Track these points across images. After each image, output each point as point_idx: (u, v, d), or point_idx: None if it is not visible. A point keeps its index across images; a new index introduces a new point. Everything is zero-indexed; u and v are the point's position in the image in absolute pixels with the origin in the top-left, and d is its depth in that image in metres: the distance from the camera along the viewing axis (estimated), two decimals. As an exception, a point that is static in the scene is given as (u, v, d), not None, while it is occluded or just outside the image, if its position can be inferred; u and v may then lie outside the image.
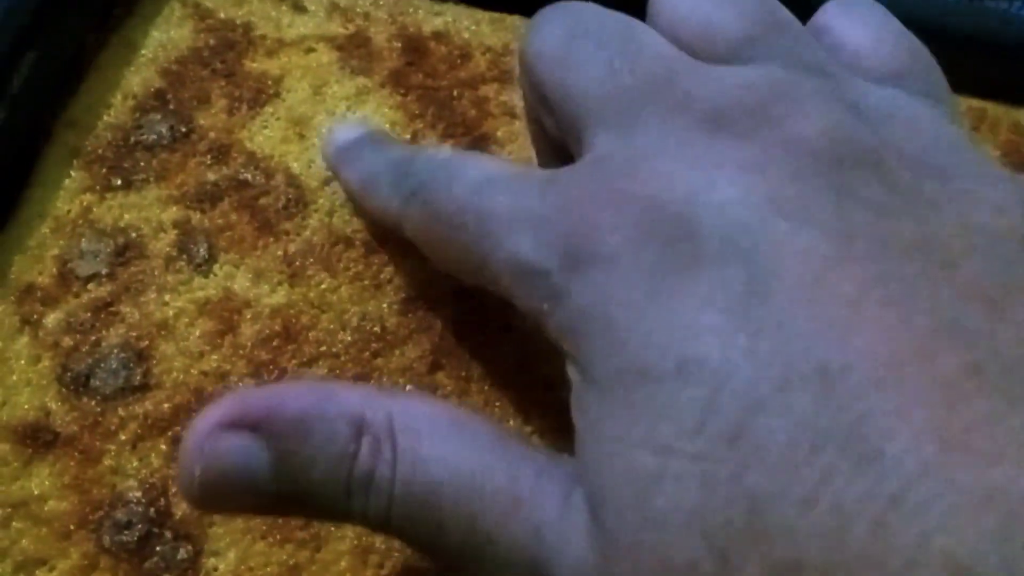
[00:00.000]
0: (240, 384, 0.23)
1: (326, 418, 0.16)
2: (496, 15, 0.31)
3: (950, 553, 0.11)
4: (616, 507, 0.14)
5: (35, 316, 0.24)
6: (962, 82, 0.32)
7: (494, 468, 0.16)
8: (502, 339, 0.25)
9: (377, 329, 0.24)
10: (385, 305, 0.25)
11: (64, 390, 0.23)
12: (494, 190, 0.17)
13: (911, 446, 0.12)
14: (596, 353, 0.15)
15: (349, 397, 0.16)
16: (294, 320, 0.24)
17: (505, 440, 0.17)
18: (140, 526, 0.21)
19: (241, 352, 0.24)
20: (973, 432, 0.12)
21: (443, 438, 0.16)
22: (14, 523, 0.21)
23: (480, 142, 0.28)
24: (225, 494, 0.16)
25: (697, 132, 0.15)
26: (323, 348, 0.24)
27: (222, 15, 0.29)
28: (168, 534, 0.22)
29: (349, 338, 0.24)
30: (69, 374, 0.23)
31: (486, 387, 0.24)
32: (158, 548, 0.21)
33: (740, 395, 0.13)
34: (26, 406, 0.23)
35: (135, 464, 0.22)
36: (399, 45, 0.30)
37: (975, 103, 0.33)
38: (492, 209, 0.17)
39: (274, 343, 0.24)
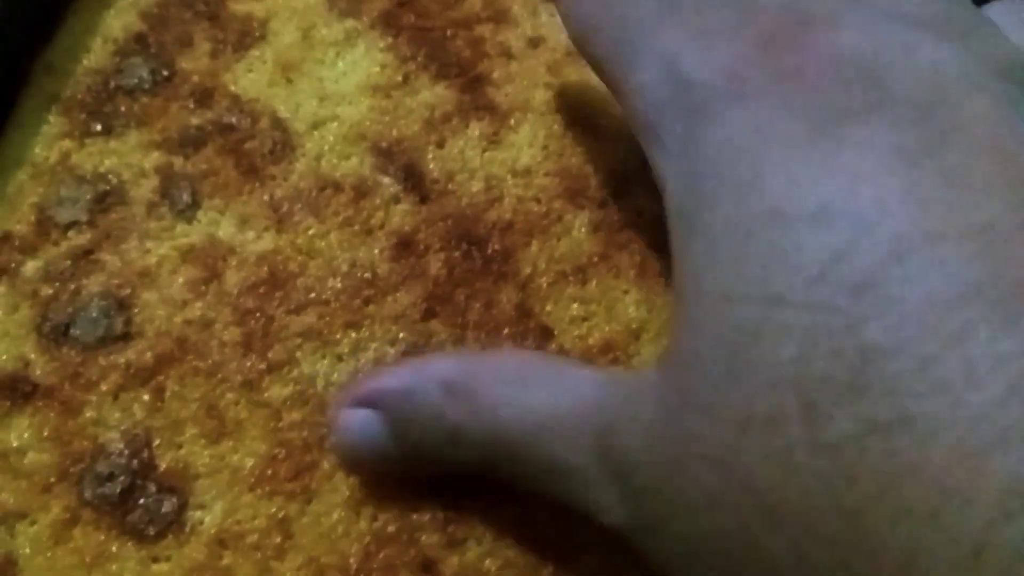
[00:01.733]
0: (225, 332, 0.22)
1: (421, 385, 0.19)
2: (492, -46, 0.30)
3: None
4: (703, 364, 0.14)
5: (13, 265, 0.23)
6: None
7: (557, 398, 0.17)
8: (499, 286, 0.24)
9: (368, 276, 0.23)
10: (376, 251, 0.24)
11: (43, 340, 0.22)
12: None
13: None
14: (725, 193, 0.14)
15: (439, 364, 0.20)
16: (281, 267, 0.23)
17: (567, 370, 0.19)
18: (123, 478, 0.21)
19: (226, 300, 0.23)
20: None
21: (512, 384, 0.18)
22: (-7, 476, 0.21)
23: (475, 83, 0.27)
24: (361, 458, 0.20)
25: (897, 21, 0.15)
26: (312, 295, 0.23)
27: (205, -45, 0.28)
28: (152, 487, 0.21)
29: (339, 285, 0.23)
30: (48, 324, 0.22)
31: (482, 335, 0.23)
32: (141, 501, 0.21)
33: (883, 243, 0.12)
34: (4, 356, 0.22)
35: (117, 415, 0.21)
36: (390, -15, 0.28)
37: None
38: (671, 8, 0.17)
39: (260, 290, 0.23)
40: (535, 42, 0.28)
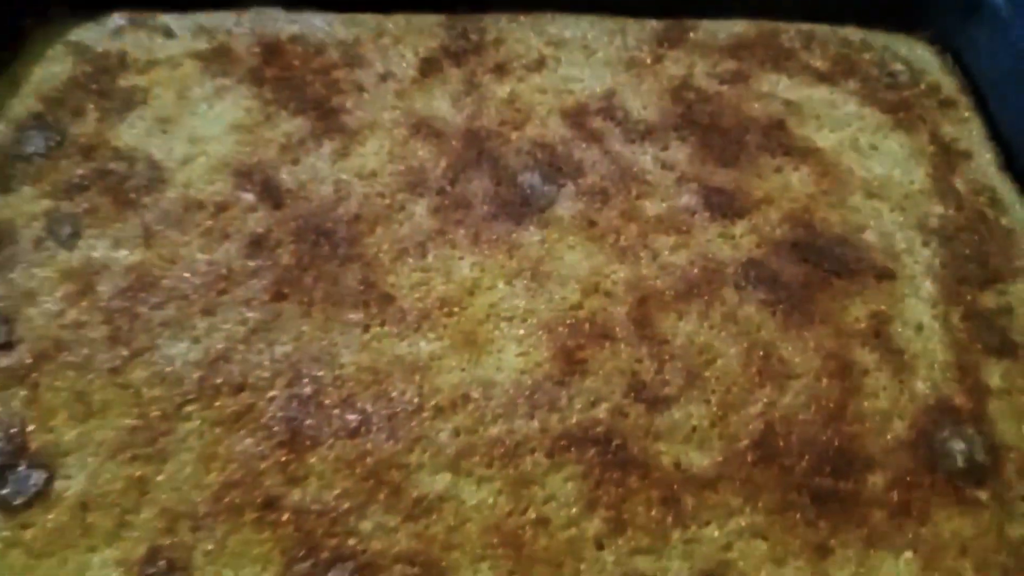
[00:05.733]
0: (94, 331, 0.25)
1: None
2: (348, 15, 0.34)
3: None
4: None
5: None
6: (791, 9, 0.35)
7: None
8: (345, 267, 0.27)
9: (224, 271, 0.26)
10: (233, 250, 0.27)
11: (-63, 358, 0.25)
12: None
13: None
14: None
15: None
16: (147, 273, 0.26)
17: None
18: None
19: (98, 305, 0.25)
20: None
21: None
22: None
23: (329, 113, 0.31)
24: None
25: None
26: (173, 292, 0.26)
27: (100, 49, 0.33)
28: (23, 465, 0.23)
29: (197, 281, 0.26)
30: (-58, 345, 0.25)
31: (329, 306, 0.26)
32: (11, 478, 0.22)
33: None
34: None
35: (-2, 411, 0.24)
36: (258, 50, 0.33)
37: (804, 26, 0.35)
38: None
39: (128, 294, 0.26)
40: (385, 76, 0.32)
